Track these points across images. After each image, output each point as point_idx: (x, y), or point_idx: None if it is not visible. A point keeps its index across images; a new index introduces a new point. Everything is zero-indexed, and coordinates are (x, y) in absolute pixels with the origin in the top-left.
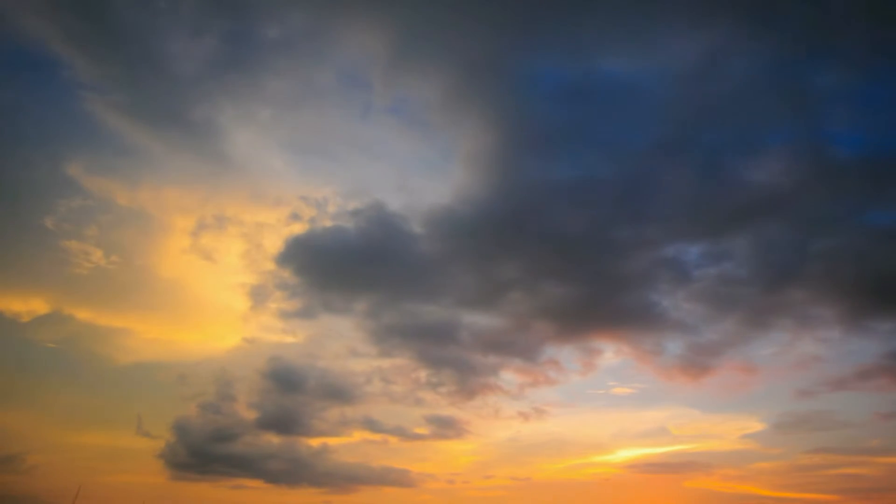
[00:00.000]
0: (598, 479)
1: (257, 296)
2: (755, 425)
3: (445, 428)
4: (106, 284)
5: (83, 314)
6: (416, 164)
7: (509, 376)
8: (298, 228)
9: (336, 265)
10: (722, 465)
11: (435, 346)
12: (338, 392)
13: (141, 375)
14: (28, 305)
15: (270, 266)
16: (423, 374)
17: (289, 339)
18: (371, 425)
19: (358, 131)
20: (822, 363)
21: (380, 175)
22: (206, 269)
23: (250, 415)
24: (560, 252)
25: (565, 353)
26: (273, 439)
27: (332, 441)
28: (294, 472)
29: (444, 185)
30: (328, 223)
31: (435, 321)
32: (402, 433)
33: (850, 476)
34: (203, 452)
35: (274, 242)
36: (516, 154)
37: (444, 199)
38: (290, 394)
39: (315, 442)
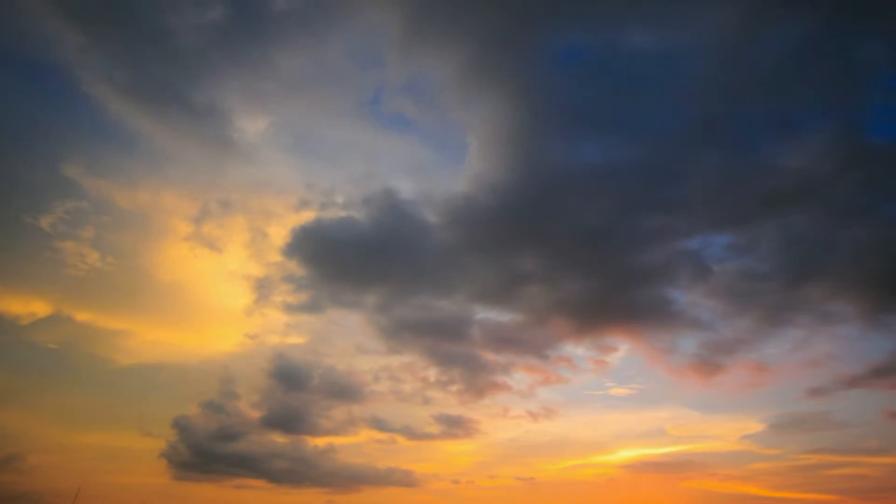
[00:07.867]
0: (601, 478)
1: (262, 289)
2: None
3: (454, 427)
4: (106, 286)
5: (83, 316)
6: (431, 147)
7: (520, 375)
8: (306, 217)
9: (345, 256)
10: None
11: (446, 342)
12: (344, 390)
13: (143, 376)
14: (28, 307)
15: (276, 258)
16: (432, 373)
17: (293, 337)
18: (378, 424)
19: (369, 112)
20: (835, 361)
21: (393, 160)
22: (208, 263)
23: (255, 414)
24: (579, 243)
25: (577, 351)
26: (278, 438)
27: (337, 440)
28: (298, 472)
29: (460, 171)
30: (337, 212)
31: (447, 316)
32: (410, 432)
33: (850, 476)
34: (206, 452)
35: (279, 232)
36: (536, 136)
37: (461, 186)
38: (296, 392)
39: (321, 441)
